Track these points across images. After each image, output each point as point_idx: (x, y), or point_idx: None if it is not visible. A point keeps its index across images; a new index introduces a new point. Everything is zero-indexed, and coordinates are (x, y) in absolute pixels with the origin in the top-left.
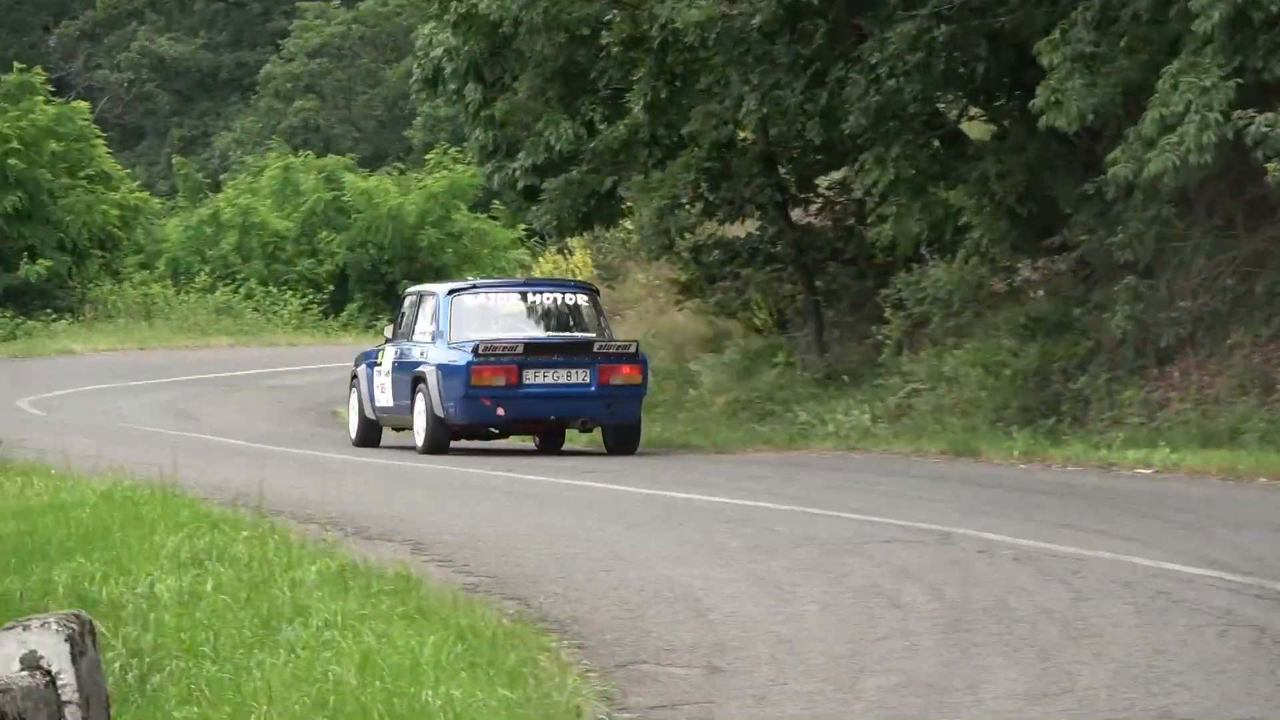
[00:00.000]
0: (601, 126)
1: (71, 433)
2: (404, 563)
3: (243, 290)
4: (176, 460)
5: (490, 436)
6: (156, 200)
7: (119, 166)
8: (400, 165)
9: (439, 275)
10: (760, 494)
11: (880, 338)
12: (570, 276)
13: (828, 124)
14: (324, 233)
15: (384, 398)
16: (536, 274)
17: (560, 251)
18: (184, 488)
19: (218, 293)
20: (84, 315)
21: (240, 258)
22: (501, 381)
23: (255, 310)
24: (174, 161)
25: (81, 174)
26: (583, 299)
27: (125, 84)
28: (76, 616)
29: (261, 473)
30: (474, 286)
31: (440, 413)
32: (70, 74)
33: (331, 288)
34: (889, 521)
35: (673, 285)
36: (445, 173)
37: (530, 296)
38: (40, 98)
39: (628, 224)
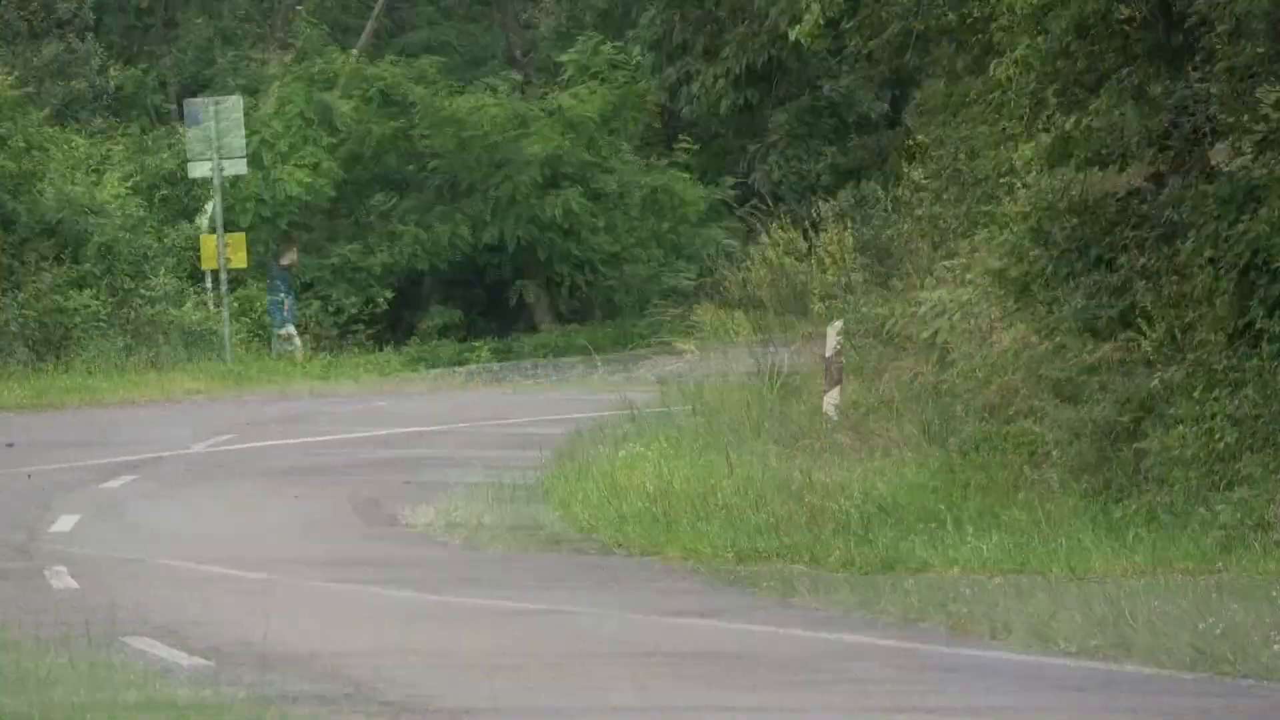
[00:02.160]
0: None
1: None
2: None
3: (232, 300)
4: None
5: None
6: (79, 138)
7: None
8: (512, 75)
9: (580, 272)
10: None
11: None
12: (808, 272)
13: None
14: (378, 195)
15: None
16: (750, 267)
17: (799, 226)
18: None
19: (188, 305)
20: None
21: (225, 240)
22: None
23: (249, 337)
24: (110, 74)
25: None
26: None
27: None
28: None
29: (266, 618)
30: None
31: None
32: None
33: (389, 294)
34: None
35: (995, 282)
36: (595, 87)
37: None
38: None
39: (917, 174)
